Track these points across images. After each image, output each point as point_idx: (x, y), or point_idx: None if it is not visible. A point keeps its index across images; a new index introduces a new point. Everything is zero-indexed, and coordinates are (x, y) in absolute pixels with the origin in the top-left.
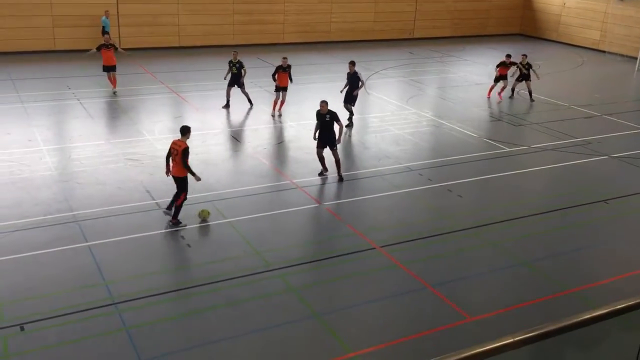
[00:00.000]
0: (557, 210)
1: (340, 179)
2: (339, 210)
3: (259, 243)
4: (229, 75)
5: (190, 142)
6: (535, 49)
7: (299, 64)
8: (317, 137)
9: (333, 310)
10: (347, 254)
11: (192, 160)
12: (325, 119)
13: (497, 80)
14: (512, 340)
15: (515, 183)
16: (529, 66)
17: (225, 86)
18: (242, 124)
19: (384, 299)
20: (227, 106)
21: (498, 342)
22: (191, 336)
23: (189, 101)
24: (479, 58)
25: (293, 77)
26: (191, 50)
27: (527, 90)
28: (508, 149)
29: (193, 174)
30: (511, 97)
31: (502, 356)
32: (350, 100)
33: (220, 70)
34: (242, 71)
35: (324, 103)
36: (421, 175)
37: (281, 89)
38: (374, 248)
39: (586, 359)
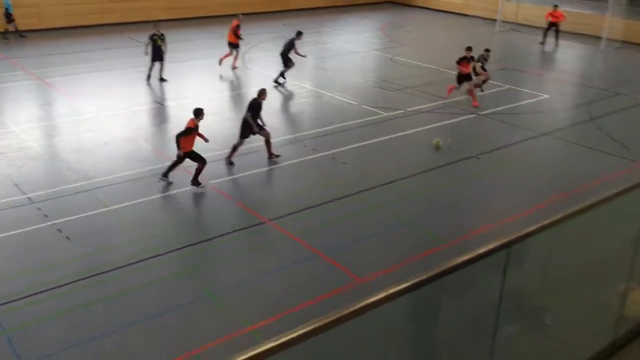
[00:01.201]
0: (434, 168)
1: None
2: (227, 188)
3: (145, 229)
4: (150, 49)
5: (61, 130)
6: (405, 15)
7: (175, 40)
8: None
9: (227, 288)
10: (238, 230)
11: (65, 149)
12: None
13: (459, 80)
14: (391, 291)
15: (395, 146)
16: (485, 56)
17: (149, 62)
18: (118, 106)
19: (277, 271)
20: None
21: (379, 295)
22: (80, 332)
23: (56, 86)
24: (352, 27)
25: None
26: (53, 33)
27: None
28: (386, 114)
29: (178, 146)
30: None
31: (385, 309)
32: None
33: (89, 52)
34: (164, 43)
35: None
36: (305, 145)
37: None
38: (264, 222)
39: (459, 302)
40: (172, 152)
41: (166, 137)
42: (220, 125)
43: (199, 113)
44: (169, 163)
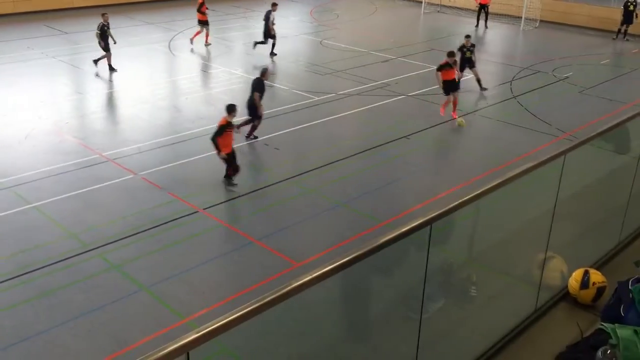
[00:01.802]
0: (366, 150)
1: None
2: (157, 178)
3: (72, 224)
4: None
5: None
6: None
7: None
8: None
9: (161, 280)
10: (170, 221)
11: None
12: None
13: (446, 90)
14: (319, 273)
15: (327, 130)
16: (472, 48)
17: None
18: (37, 98)
19: (212, 260)
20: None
21: (308, 276)
22: (7, 334)
23: None
24: (281, 11)
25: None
26: None
27: (475, 77)
28: (317, 98)
29: (217, 148)
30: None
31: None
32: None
33: (2, 42)
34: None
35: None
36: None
37: None
38: (197, 211)
39: (388, 280)
40: (98, 144)
41: (90, 128)
42: (150, 115)
43: (231, 109)
44: (95, 155)
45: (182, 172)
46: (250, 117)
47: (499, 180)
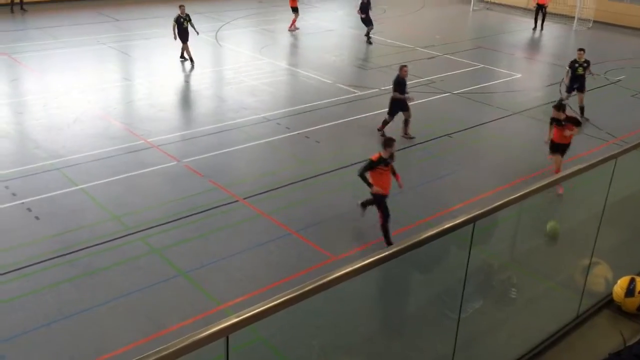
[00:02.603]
0: (408, 147)
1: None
2: (199, 166)
3: (115, 207)
4: (177, 31)
5: (30, 108)
6: None
7: (137, 17)
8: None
9: (199, 266)
10: (210, 209)
11: (34, 126)
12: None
13: (553, 149)
14: (357, 266)
15: (369, 125)
16: (587, 65)
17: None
18: (87, 83)
19: (250, 249)
20: (191, 62)
21: (345, 269)
22: (51, 311)
23: (23, 63)
24: (327, 4)
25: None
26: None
27: (578, 103)
28: (360, 93)
29: (367, 183)
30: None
31: (352, 284)
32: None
33: (57, 27)
34: (191, 24)
35: (405, 67)
36: (279, 124)
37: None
38: (237, 200)
39: (428, 277)
40: (143, 130)
41: (137, 114)
42: (194, 104)
43: (388, 144)
44: (140, 141)
45: (224, 161)
46: (389, 116)
47: (545, 182)
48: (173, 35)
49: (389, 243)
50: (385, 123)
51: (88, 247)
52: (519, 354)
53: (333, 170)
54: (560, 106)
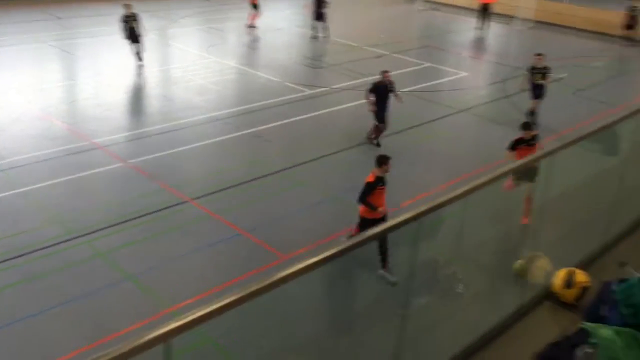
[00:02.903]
0: (357, 145)
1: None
2: (146, 167)
3: (58, 211)
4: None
5: None
6: None
7: (85, 15)
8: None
9: (147, 269)
10: (158, 210)
11: None
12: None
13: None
14: (301, 266)
15: (319, 123)
16: (546, 71)
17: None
18: (26, 83)
19: (199, 250)
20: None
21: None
22: None
23: None
24: (275, 4)
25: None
26: None
27: (531, 109)
28: (310, 91)
29: (372, 207)
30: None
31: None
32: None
33: None
34: (138, 24)
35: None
36: (228, 123)
37: None
38: (185, 201)
39: (374, 274)
40: (87, 130)
41: (81, 114)
42: (141, 104)
43: (383, 161)
44: (85, 142)
45: (172, 161)
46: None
47: (486, 179)
48: (123, 35)
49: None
50: (379, 130)
51: (29, 253)
52: (464, 346)
53: (283, 170)
54: (527, 125)
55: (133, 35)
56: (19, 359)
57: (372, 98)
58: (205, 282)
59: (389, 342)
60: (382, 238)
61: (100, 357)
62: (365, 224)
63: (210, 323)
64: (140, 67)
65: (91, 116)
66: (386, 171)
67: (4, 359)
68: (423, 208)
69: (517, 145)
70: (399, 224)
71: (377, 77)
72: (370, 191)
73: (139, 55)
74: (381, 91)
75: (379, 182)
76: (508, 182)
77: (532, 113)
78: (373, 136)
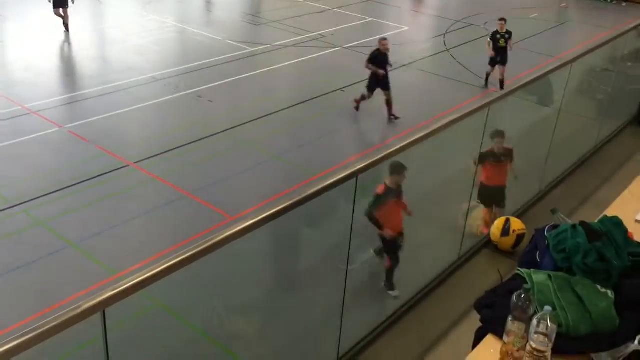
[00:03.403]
0: (301, 103)
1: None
2: (84, 131)
3: None
4: None
5: None
6: None
7: None
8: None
9: (90, 235)
10: (99, 175)
11: None
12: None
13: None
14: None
15: (262, 82)
16: (508, 36)
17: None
18: None
19: (144, 214)
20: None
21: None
22: None
23: None
24: None
25: None
26: None
27: (499, 76)
28: (251, 49)
29: (377, 225)
30: (485, 86)
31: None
32: None
33: None
34: None
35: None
36: (168, 84)
37: None
38: (127, 165)
39: (318, 232)
40: (19, 95)
41: (10, 79)
42: (76, 66)
43: (395, 170)
44: (16, 107)
45: (111, 125)
46: (368, 92)
47: (425, 132)
48: None
49: (390, 288)
50: (363, 98)
51: None
52: (406, 298)
53: (227, 130)
54: (501, 133)
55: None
56: None
57: (372, 67)
58: (152, 247)
59: (334, 298)
60: (391, 250)
61: (37, 327)
62: (386, 244)
63: (162, 288)
64: (67, 33)
65: (22, 80)
66: (399, 182)
67: None
68: (361, 165)
69: (485, 161)
70: (338, 181)
71: (322, 32)
72: (377, 205)
73: (65, 24)
74: (379, 61)
75: (389, 194)
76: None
77: (501, 83)
78: (356, 102)
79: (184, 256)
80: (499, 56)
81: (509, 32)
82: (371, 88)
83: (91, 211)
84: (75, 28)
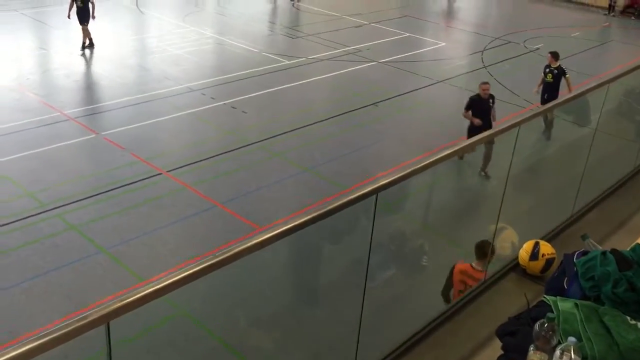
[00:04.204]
0: (334, 116)
1: None
2: (120, 138)
3: (30, 183)
4: (74, 11)
5: None
6: None
7: None
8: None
9: (120, 242)
10: (132, 182)
11: None
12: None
13: None
14: (265, 237)
15: (296, 94)
16: (560, 73)
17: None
18: None
19: (173, 223)
20: (91, 45)
21: (253, 240)
22: None
23: None
24: None
25: None
26: None
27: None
28: (287, 62)
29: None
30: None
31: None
32: None
33: None
34: (90, 4)
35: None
36: (204, 94)
37: None
38: (160, 173)
39: (341, 247)
40: (60, 101)
41: (53, 85)
42: (115, 74)
43: (483, 251)
44: (56, 113)
45: (146, 133)
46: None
47: (451, 151)
48: (67, 14)
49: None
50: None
51: (1, 226)
52: (427, 320)
53: (259, 141)
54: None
55: (82, 16)
56: None
57: (468, 116)
58: (180, 255)
59: (352, 314)
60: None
61: (39, 337)
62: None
63: (183, 296)
64: (92, 49)
65: (63, 87)
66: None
67: None
68: (381, 182)
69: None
70: (358, 198)
71: (358, 47)
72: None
73: (88, 39)
74: (478, 107)
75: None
76: None
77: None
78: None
79: (187, 272)
80: (546, 93)
81: (560, 69)
82: (470, 136)
83: (123, 218)
84: (118, 37)
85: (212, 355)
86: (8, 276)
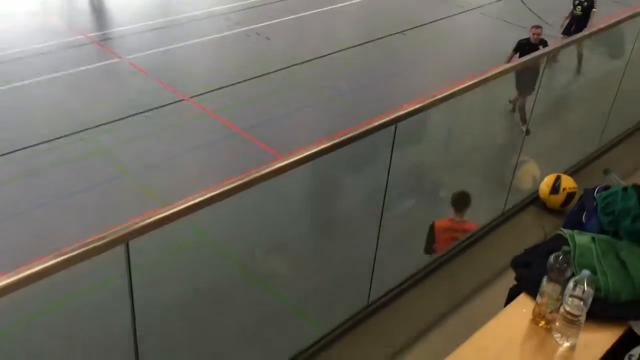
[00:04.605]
0: (360, 44)
1: None
2: (143, 63)
3: (54, 106)
4: None
5: None
6: None
7: None
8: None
9: (144, 167)
10: (155, 108)
11: None
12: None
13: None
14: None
15: (323, 21)
16: (590, 6)
17: None
18: None
19: (195, 149)
20: None
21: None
22: None
23: None
24: None
25: None
26: None
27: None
28: None
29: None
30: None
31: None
32: None
33: None
34: None
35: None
36: (229, 19)
37: None
38: (183, 99)
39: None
40: (83, 24)
41: (77, 8)
42: None
43: (463, 202)
44: (80, 36)
45: (170, 58)
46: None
47: (475, 81)
48: None
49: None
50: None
51: (27, 147)
52: (446, 249)
53: (283, 69)
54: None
55: None
56: (17, 249)
57: (516, 58)
58: (201, 181)
59: (368, 245)
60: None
61: (59, 253)
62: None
63: (205, 221)
64: None
65: (87, 10)
66: (463, 217)
67: (3, 250)
68: (401, 112)
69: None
70: (376, 127)
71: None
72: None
73: None
74: (526, 53)
75: (454, 231)
76: None
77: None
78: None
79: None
80: (574, 26)
81: (590, 1)
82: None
83: (146, 142)
84: None
85: (232, 278)
86: (41, 194)
